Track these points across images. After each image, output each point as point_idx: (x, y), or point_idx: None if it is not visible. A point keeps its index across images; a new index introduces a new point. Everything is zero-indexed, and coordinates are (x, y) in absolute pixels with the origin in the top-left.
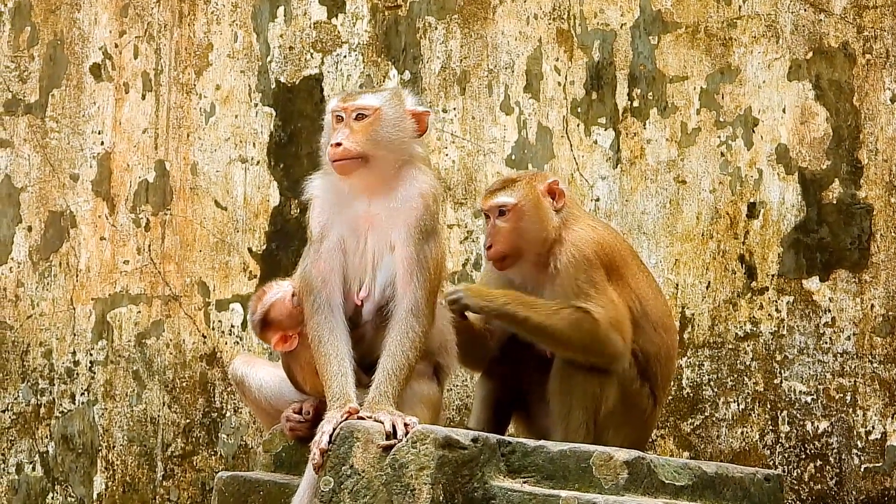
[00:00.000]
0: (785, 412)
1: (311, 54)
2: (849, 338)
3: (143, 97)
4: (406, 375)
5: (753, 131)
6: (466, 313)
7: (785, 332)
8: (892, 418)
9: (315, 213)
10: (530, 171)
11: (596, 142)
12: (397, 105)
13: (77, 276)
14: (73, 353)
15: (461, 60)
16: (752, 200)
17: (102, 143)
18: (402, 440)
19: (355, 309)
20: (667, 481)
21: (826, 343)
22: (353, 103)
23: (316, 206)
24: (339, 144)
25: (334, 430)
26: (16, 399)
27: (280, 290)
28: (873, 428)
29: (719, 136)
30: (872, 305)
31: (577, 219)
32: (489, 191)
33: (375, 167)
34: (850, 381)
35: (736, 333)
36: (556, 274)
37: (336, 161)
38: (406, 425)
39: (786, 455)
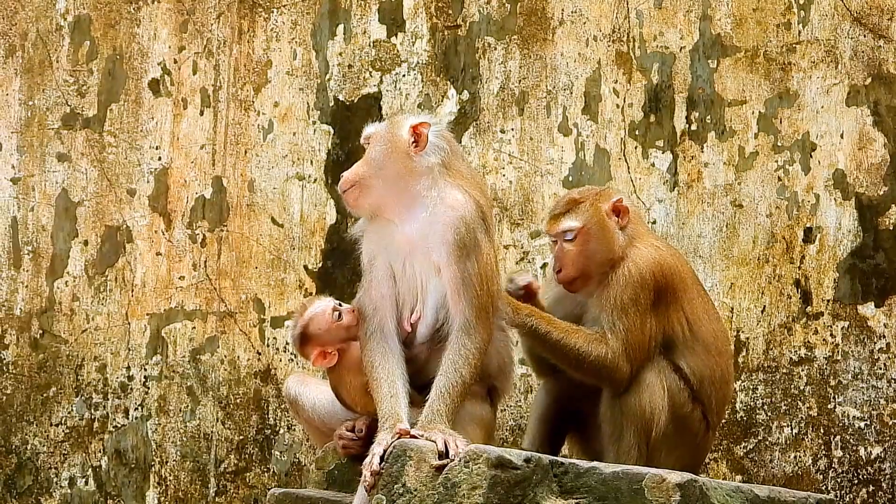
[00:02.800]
0: (838, 437)
1: (370, 73)
2: None
3: (202, 113)
4: (460, 393)
5: (811, 156)
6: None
7: (839, 358)
8: None
9: (364, 245)
10: (593, 188)
11: (653, 164)
12: (392, 126)
13: (132, 290)
14: (128, 368)
15: (520, 81)
16: (808, 225)
17: (160, 159)
18: (454, 460)
19: (409, 333)
20: None
21: (880, 369)
22: (363, 136)
23: (365, 238)
24: (346, 179)
25: (385, 451)
26: (70, 413)
27: (320, 305)
28: None
29: (777, 161)
30: None
31: (642, 237)
32: (554, 214)
33: (379, 191)
34: None
35: (790, 358)
36: (607, 287)
37: (342, 193)
38: (458, 445)
39: (838, 480)
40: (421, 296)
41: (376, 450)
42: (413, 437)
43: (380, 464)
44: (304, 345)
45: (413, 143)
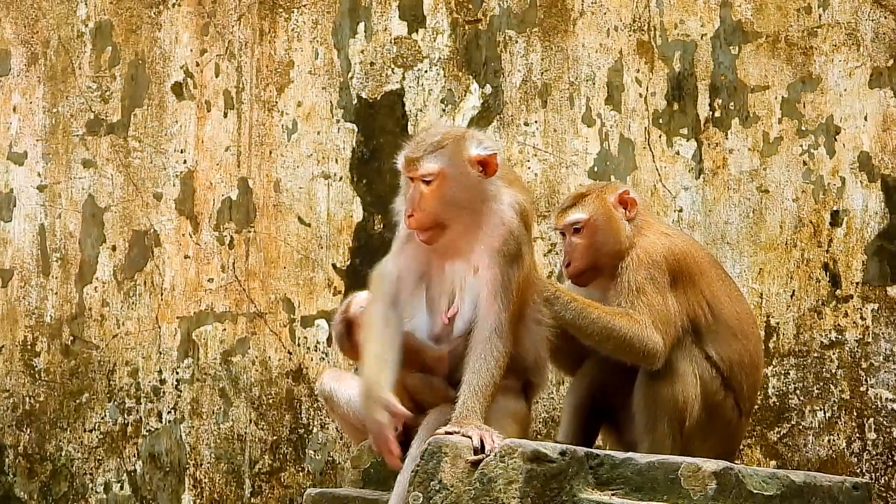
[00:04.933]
0: (871, 419)
1: (392, 69)
2: None
3: (225, 115)
4: (492, 392)
5: (835, 139)
6: None
7: (870, 340)
8: None
9: (402, 228)
10: (599, 183)
11: (678, 153)
12: (459, 159)
13: (162, 294)
14: (160, 372)
15: (542, 73)
16: (835, 208)
17: (185, 162)
18: (489, 455)
19: (443, 326)
20: (755, 491)
21: None
22: (418, 171)
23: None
24: (411, 216)
25: None
26: (103, 418)
27: (363, 294)
28: None
29: (801, 145)
30: None
31: (650, 226)
32: (561, 209)
33: (455, 226)
34: None
35: (821, 342)
36: (619, 275)
37: (421, 237)
38: (493, 440)
39: (873, 462)
40: (459, 292)
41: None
42: (449, 433)
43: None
44: (349, 334)
45: (481, 171)
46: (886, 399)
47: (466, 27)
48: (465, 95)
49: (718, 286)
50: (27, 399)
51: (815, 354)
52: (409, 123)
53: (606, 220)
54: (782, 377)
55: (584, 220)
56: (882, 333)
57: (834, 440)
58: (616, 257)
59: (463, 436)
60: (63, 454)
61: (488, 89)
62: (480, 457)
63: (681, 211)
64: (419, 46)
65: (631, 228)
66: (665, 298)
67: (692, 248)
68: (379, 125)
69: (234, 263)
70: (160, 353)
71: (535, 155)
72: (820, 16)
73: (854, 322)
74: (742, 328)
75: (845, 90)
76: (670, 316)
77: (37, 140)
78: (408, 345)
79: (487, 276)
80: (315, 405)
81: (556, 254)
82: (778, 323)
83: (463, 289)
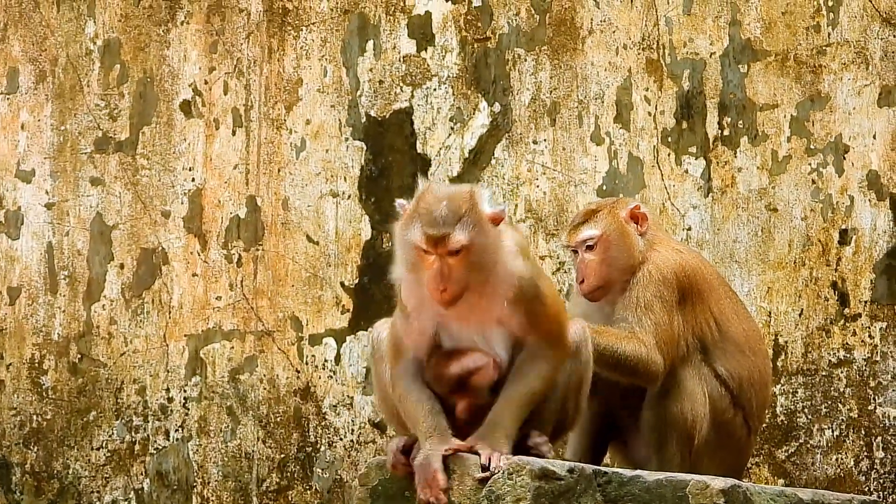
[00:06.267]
0: (879, 438)
1: (401, 88)
2: None
3: (234, 133)
4: (527, 403)
5: (844, 158)
6: None
7: (878, 359)
8: None
9: (404, 291)
10: (610, 198)
11: (687, 171)
12: (480, 222)
13: (170, 312)
14: (167, 390)
15: (551, 92)
16: (843, 227)
17: (193, 180)
18: (496, 473)
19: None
20: None
21: None
22: (447, 247)
23: (405, 285)
24: (444, 290)
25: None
26: (110, 436)
27: (482, 359)
28: None
29: (810, 164)
30: None
31: (662, 241)
32: (573, 225)
33: (475, 287)
34: None
35: (829, 360)
36: (629, 290)
37: (446, 305)
38: (500, 459)
39: (881, 481)
40: (481, 338)
41: (436, 465)
42: (458, 449)
43: (446, 478)
44: (457, 393)
45: (496, 227)
46: (894, 418)
47: (475, 45)
48: (473, 114)
49: (726, 303)
50: (34, 417)
51: (824, 373)
52: (417, 142)
53: (619, 235)
54: (790, 396)
55: (597, 237)
56: (890, 352)
57: (842, 459)
58: (628, 272)
59: (472, 452)
60: (70, 472)
61: (497, 107)
62: (486, 475)
63: (689, 229)
64: (428, 64)
65: (643, 243)
66: (671, 317)
67: (702, 264)
68: (388, 143)
69: (242, 281)
70: (168, 371)
71: (544, 173)
72: (829, 34)
73: (862, 340)
74: (750, 345)
75: (854, 108)
76: (674, 336)
77: (45, 158)
78: (447, 372)
79: (511, 324)
80: (323, 423)
81: (565, 272)
82: (786, 341)
83: (486, 334)
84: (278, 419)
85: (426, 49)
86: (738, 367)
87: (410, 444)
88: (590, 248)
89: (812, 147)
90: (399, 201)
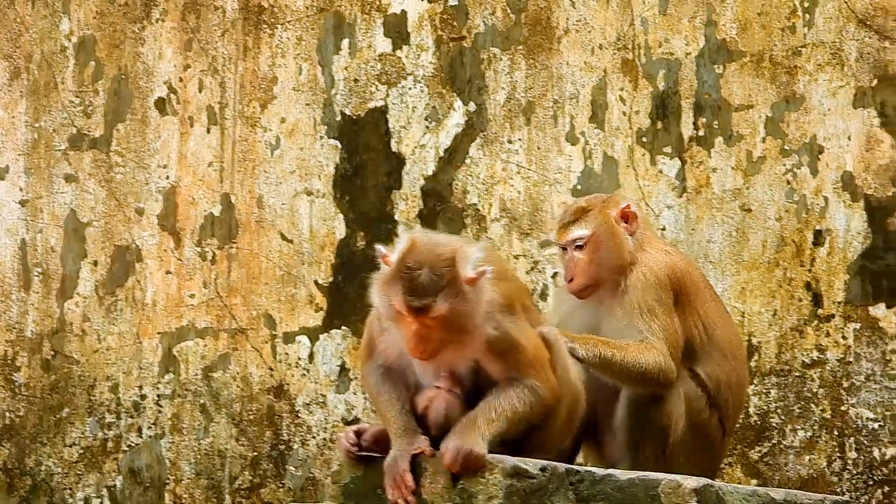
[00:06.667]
0: (852, 439)
1: (377, 86)
2: None
3: (208, 131)
4: (506, 418)
5: (819, 159)
6: None
7: (852, 359)
8: None
9: (382, 316)
10: (601, 196)
11: (661, 171)
12: (461, 290)
13: (143, 310)
14: (140, 387)
15: (526, 91)
16: (817, 228)
17: (168, 177)
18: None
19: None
20: None
21: (893, 369)
22: (427, 315)
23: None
24: (423, 350)
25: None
26: (83, 433)
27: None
28: None
29: (785, 164)
30: None
31: (651, 241)
32: (563, 223)
33: (451, 343)
34: None
35: (803, 361)
36: (625, 292)
37: (424, 360)
38: (465, 457)
39: (853, 482)
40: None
41: (403, 465)
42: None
43: (412, 478)
44: None
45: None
46: (867, 418)
47: (451, 44)
48: (448, 112)
49: (712, 306)
50: (7, 414)
51: (797, 374)
52: (392, 140)
53: (610, 235)
54: (764, 396)
55: (587, 237)
56: (863, 353)
57: (815, 459)
58: (618, 272)
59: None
60: (43, 469)
61: (472, 107)
62: (457, 471)
63: (664, 229)
64: (403, 63)
65: (633, 243)
66: (673, 320)
67: (690, 266)
68: (363, 142)
69: (215, 279)
70: (141, 369)
71: (519, 172)
72: (804, 35)
73: (836, 341)
74: (732, 349)
75: (829, 110)
76: (679, 338)
77: (19, 155)
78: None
79: (491, 368)
80: (296, 421)
81: (539, 271)
82: (760, 342)
83: (456, 376)
84: (251, 417)
85: (402, 48)
86: (718, 371)
87: (364, 430)
88: (579, 247)
89: (787, 148)
90: (379, 248)
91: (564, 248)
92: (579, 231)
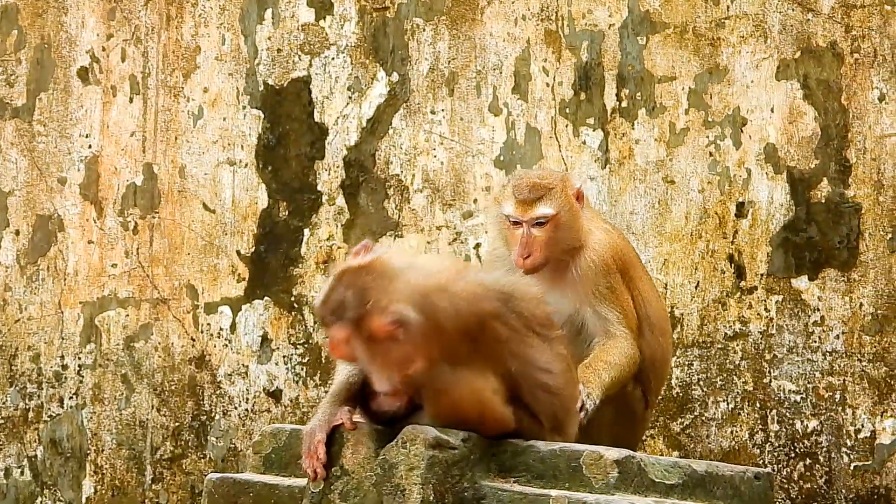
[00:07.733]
0: (774, 411)
1: (299, 56)
2: (837, 336)
3: (131, 100)
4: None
5: (742, 131)
6: None
7: (774, 332)
8: (881, 416)
9: None
10: (556, 173)
11: (584, 142)
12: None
13: (65, 279)
14: (62, 357)
15: (449, 62)
16: (740, 200)
17: (90, 147)
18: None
19: None
20: (657, 480)
21: (815, 342)
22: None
23: None
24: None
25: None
26: (4, 403)
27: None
28: (862, 426)
29: (707, 136)
30: (861, 304)
31: (592, 221)
32: (524, 200)
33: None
34: (839, 380)
35: (725, 333)
36: (577, 279)
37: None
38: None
39: (775, 454)
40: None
41: (320, 436)
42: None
43: (325, 451)
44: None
45: None
46: (789, 391)
47: (374, 14)
48: (371, 83)
49: (646, 281)
50: None
51: (719, 346)
52: (315, 110)
53: (571, 217)
54: (686, 368)
55: (551, 216)
56: (786, 325)
57: (737, 431)
58: (569, 253)
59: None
60: None
61: (395, 77)
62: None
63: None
64: (326, 33)
65: (585, 224)
66: (628, 299)
67: (626, 243)
68: (285, 112)
69: (137, 249)
70: (62, 339)
71: (442, 143)
72: (728, 7)
73: (758, 314)
74: (661, 325)
75: (752, 82)
76: (634, 319)
77: None
78: None
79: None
80: (217, 392)
81: (462, 242)
82: (682, 314)
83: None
84: (173, 387)
85: (325, 18)
86: (646, 347)
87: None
88: (540, 224)
89: (710, 120)
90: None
91: (517, 223)
92: (544, 209)
